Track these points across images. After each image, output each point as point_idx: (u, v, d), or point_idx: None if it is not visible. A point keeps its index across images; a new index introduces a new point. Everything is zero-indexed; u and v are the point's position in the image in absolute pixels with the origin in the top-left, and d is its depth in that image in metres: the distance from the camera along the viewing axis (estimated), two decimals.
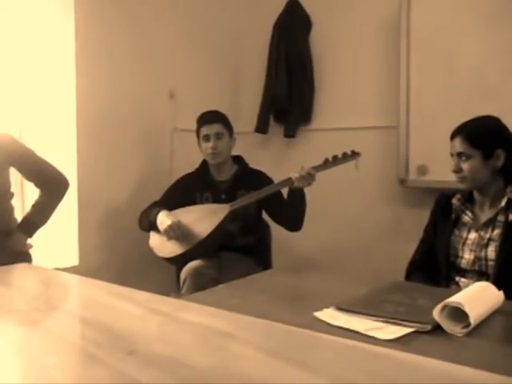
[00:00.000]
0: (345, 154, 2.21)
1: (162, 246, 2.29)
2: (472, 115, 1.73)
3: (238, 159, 2.54)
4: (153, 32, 2.86)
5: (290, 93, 3.09)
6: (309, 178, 2.18)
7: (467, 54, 2.48)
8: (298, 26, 3.09)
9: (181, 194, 2.43)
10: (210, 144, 2.39)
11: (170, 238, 2.25)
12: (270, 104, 3.16)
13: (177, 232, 2.23)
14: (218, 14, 3.25)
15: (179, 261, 2.27)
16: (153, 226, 2.33)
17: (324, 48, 3.08)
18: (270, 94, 3.15)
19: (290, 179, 2.21)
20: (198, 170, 2.53)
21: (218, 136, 2.40)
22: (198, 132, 2.46)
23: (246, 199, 2.29)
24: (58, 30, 2.56)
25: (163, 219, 2.27)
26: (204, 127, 2.42)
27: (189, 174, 2.53)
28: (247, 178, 2.45)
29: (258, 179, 2.42)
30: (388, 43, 2.79)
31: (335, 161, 2.20)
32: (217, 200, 2.39)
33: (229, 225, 2.32)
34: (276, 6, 3.15)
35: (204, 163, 2.52)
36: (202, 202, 2.41)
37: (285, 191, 2.35)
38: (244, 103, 3.36)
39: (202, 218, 2.27)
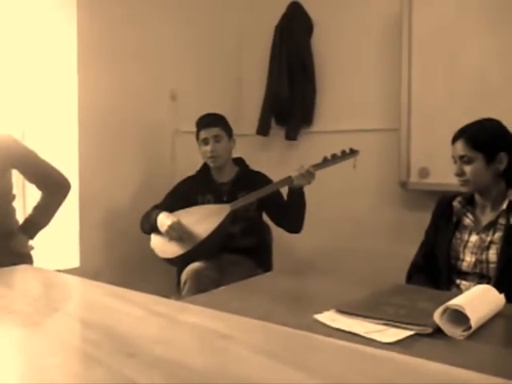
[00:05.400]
0: (343, 152, 2.22)
1: (164, 247, 2.29)
2: (474, 118, 1.73)
3: (239, 161, 2.55)
4: (155, 34, 2.86)
5: (291, 95, 3.08)
6: (308, 176, 2.19)
7: (469, 56, 2.48)
8: (300, 28, 3.09)
9: (182, 196, 2.43)
10: (209, 147, 2.40)
11: (171, 238, 2.25)
12: (272, 106, 3.16)
13: (178, 232, 2.23)
14: (220, 15, 3.25)
15: (180, 261, 2.27)
16: (154, 229, 2.33)
17: (326, 50, 3.09)
18: (271, 96, 3.15)
19: (289, 178, 2.21)
20: (199, 172, 2.53)
21: (217, 139, 2.40)
22: (197, 136, 2.47)
23: (247, 199, 2.29)
24: (61, 33, 2.56)
25: (163, 220, 2.27)
26: (202, 131, 2.43)
27: (189, 177, 2.53)
28: (248, 179, 2.46)
29: (259, 180, 2.43)
30: (389, 45, 2.79)
31: (334, 159, 2.21)
32: (218, 202, 2.39)
33: (230, 226, 2.32)
34: (278, 8, 3.15)
35: (205, 165, 2.52)
36: (203, 204, 2.41)
37: (284, 193, 2.35)
38: (245, 105, 3.36)
39: (203, 219, 2.28)
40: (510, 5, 2.35)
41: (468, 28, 2.48)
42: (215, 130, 2.41)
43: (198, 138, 2.46)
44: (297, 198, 2.30)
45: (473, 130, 1.69)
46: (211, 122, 2.43)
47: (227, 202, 2.35)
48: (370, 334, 1.11)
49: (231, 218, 2.29)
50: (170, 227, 2.22)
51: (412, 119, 2.65)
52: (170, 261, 2.30)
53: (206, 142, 2.41)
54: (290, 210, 2.32)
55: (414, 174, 2.66)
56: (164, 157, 2.95)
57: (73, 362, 0.79)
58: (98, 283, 1.30)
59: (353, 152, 2.22)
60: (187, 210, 2.34)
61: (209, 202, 2.41)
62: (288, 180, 2.22)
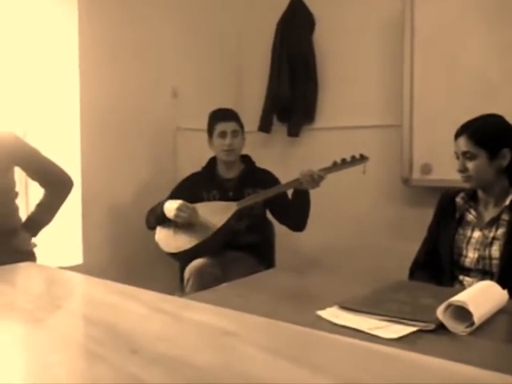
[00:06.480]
0: (353, 158, 2.21)
1: (168, 240, 2.29)
2: (475, 114, 1.72)
3: (245, 158, 2.55)
4: (156, 31, 2.86)
5: (293, 92, 3.08)
6: (319, 180, 2.18)
7: (471, 53, 2.47)
8: (302, 25, 3.09)
9: (188, 192, 2.43)
10: (227, 141, 2.39)
11: (181, 220, 2.22)
12: (273, 103, 3.16)
13: (187, 211, 2.22)
14: (221, 12, 3.25)
15: (184, 257, 2.26)
16: (160, 220, 2.32)
17: (327, 47, 3.08)
18: (273, 92, 3.14)
19: (298, 180, 2.21)
20: (205, 168, 2.53)
21: (234, 134, 2.41)
22: (211, 128, 2.45)
23: (253, 198, 2.29)
24: (62, 30, 2.56)
25: (170, 205, 2.26)
26: (220, 124, 2.41)
27: (194, 174, 2.53)
28: (254, 176, 2.46)
29: (265, 178, 2.43)
30: (391, 42, 2.78)
31: (344, 164, 2.21)
32: (224, 198, 2.39)
33: (235, 223, 2.32)
34: (279, 5, 3.14)
35: (212, 161, 2.52)
36: (209, 200, 2.40)
37: (289, 191, 2.35)
38: (247, 102, 3.36)
39: (209, 215, 2.27)
40: (511, 4, 2.34)
41: (469, 27, 2.47)
42: (233, 125, 2.41)
43: (212, 131, 2.44)
44: (302, 199, 2.30)
45: (476, 125, 1.68)
46: (230, 116, 2.44)
47: (233, 198, 2.35)
48: (373, 330, 1.11)
49: (237, 216, 2.28)
50: (178, 209, 2.22)
51: (414, 116, 2.65)
52: (173, 255, 2.30)
53: (223, 135, 2.40)
54: (295, 209, 2.32)
55: (417, 171, 2.66)
56: (166, 154, 2.95)
57: (76, 359, 0.79)
58: (101, 280, 1.30)
59: (363, 158, 2.22)
60: (194, 205, 2.34)
61: (214, 198, 2.41)
62: (297, 182, 2.22)
